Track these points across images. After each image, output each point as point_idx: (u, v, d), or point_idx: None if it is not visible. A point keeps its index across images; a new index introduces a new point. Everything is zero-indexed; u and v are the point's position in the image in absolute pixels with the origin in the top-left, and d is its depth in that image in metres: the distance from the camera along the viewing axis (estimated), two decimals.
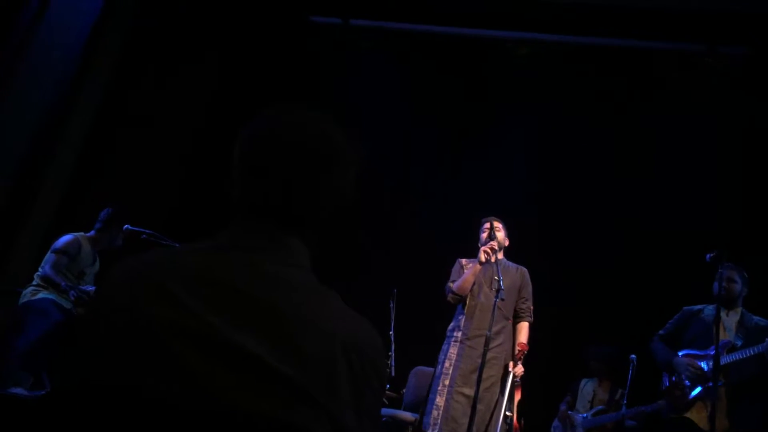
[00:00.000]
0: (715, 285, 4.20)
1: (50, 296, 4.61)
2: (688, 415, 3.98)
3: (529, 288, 4.46)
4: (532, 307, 4.42)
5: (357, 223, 4.70)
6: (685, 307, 4.42)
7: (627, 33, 5.22)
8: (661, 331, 4.42)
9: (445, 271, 4.55)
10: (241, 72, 6.20)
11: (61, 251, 4.70)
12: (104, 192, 5.39)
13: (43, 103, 4.93)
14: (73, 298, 4.59)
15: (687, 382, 4.04)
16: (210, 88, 6.15)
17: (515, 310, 4.38)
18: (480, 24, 5.67)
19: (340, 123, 1.09)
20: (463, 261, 4.56)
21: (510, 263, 4.52)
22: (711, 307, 4.26)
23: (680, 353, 4.20)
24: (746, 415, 3.87)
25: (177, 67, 5.86)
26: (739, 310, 4.19)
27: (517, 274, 4.44)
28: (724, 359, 3.96)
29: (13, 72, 4.75)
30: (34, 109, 4.89)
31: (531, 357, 4.27)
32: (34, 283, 4.66)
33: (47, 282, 4.63)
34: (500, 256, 4.45)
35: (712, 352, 4.01)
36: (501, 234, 4.48)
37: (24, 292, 4.64)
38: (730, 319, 4.16)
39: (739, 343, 3.95)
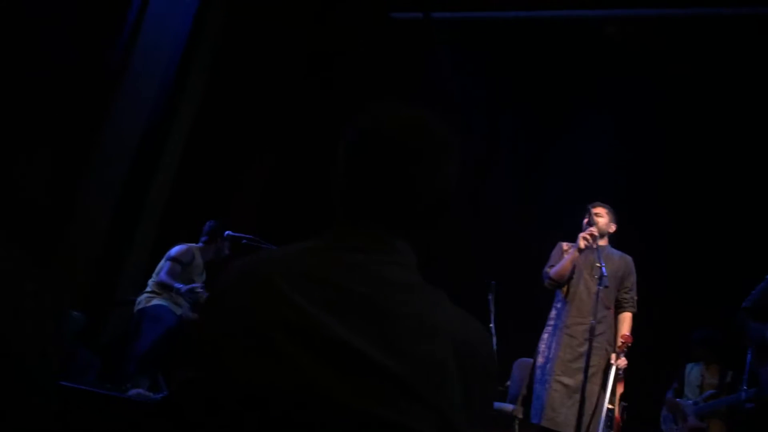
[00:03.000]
0: None
1: (164, 303, 4.87)
2: None
3: (633, 278, 4.24)
4: (636, 298, 4.22)
5: (458, 217, 4.68)
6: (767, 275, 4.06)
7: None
8: (745, 303, 3.97)
9: (545, 256, 4.44)
10: (327, 74, 6.29)
11: (176, 259, 4.96)
12: (202, 203, 5.61)
13: (141, 124, 5.19)
14: (187, 296, 4.82)
15: None
16: (297, 88, 6.27)
17: (617, 300, 4.20)
18: (563, 5, 5.51)
19: (438, 117, 1.08)
20: (564, 245, 4.36)
21: (614, 251, 4.32)
22: None
23: None
24: None
25: (264, 71, 6.02)
26: None
27: (621, 262, 4.24)
28: None
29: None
30: (133, 130, 5.16)
31: (634, 346, 4.13)
32: (148, 289, 4.93)
33: (162, 288, 4.89)
34: (603, 242, 4.28)
35: None
36: (603, 219, 4.27)
37: (138, 299, 4.91)
38: None
39: None
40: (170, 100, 5.33)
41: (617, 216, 4.39)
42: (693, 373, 5.40)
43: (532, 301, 4.66)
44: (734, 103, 5.40)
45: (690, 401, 5.27)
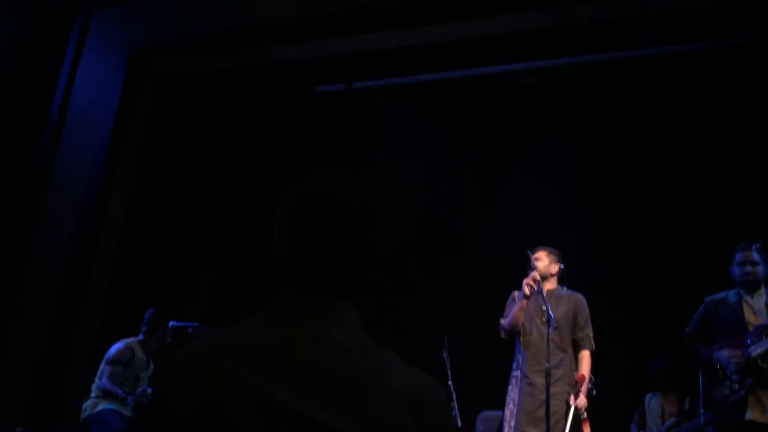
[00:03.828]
0: (736, 269, 4.10)
1: (110, 406, 4.65)
2: (749, 413, 3.80)
3: (585, 314, 4.23)
4: (591, 334, 4.20)
5: (401, 276, 4.69)
6: (706, 298, 4.22)
7: (630, 44, 5.21)
8: (687, 329, 4.20)
9: (494, 306, 4.46)
10: (261, 153, 6.33)
11: (115, 361, 4.75)
12: (144, 292, 5.47)
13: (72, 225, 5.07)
14: (132, 405, 4.63)
15: (735, 377, 3.87)
16: (231, 172, 6.27)
17: (573, 340, 4.20)
18: (479, 63, 5.74)
19: (373, 181, 1.10)
20: (516, 293, 4.38)
21: (564, 291, 4.32)
22: (733, 292, 4.12)
23: (717, 346, 4.01)
24: None
25: (198, 153, 6.01)
26: (763, 290, 4.03)
27: (570, 302, 4.24)
28: (764, 344, 3.82)
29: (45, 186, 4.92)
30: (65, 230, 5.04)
31: (599, 381, 4.15)
32: (92, 395, 4.72)
33: (105, 393, 4.67)
34: (551, 285, 4.32)
35: (750, 339, 3.89)
36: (543, 263, 4.31)
37: (84, 406, 4.69)
38: (757, 302, 4.00)
39: None
40: (100, 196, 5.25)
41: (560, 256, 4.45)
42: (652, 403, 5.47)
43: (491, 352, 4.65)
44: (656, 139, 5.68)
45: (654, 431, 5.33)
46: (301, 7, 4.80)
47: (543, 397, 3.91)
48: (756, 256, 4.05)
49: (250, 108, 6.23)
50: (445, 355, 4.90)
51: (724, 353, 3.93)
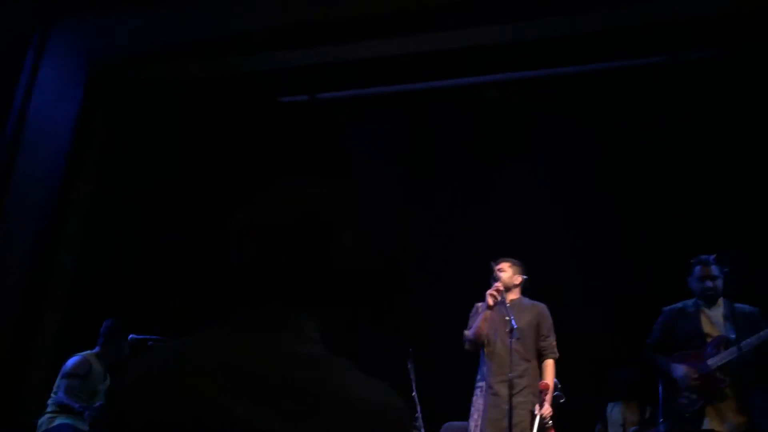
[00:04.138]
0: (695, 283, 4.17)
1: (67, 421, 4.56)
2: (706, 422, 3.87)
3: (549, 323, 4.29)
4: (554, 343, 4.26)
5: (367, 289, 4.67)
6: (664, 308, 4.30)
7: (590, 58, 5.30)
8: (649, 340, 4.28)
9: (459, 317, 4.48)
10: (224, 163, 6.27)
11: (72, 374, 4.67)
12: (104, 305, 5.37)
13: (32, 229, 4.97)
14: (88, 419, 4.54)
15: (686, 393, 3.94)
16: (193, 183, 6.21)
17: (537, 349, 4.24)
18: (446, 75, 5.78)
19: (334, 191, 1.10)
20: (479, 305, 4.43)
21: (527, 301, 4.38)
22: (691, 302, 4.19)
23: (675, 357, 4.09)
24: (758, 409, 3.80)
25: (158, 168, 5.94)
26: (721, 301, 4.11)
27: (533, 312, 4.30)
28: (723, 356, 3.90)
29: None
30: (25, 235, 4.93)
31: (564, 390, 4.20)
32: (48, 410, 4.61)
33: (62, 407, 4.58)
34: (514, 296, 4.38)
35: (709, 350, 3.97)
36: (506, 274, 4.38)
37: (40, 422, 4.59)
38: (715, 313, 4.08)
39: (733, 336, 3.87)
40: (59, 208, 5.15)
41: (523, 267, 4.51)
42: (614, 412, 5.54)
43: (455, 363, 4.66)
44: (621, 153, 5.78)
45: None
46: (264, 17, 4.80)
47: (507, 407, 3.93)
48: (715, 270, 4.11)
49: (214, 118, 6.18)
50: (409, 366, 4.90)
51: (681, 369, 3.98)
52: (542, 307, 4.35)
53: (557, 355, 4.25)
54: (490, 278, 4.38)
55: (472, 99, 5.99)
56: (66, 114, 5.21)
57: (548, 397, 4.06)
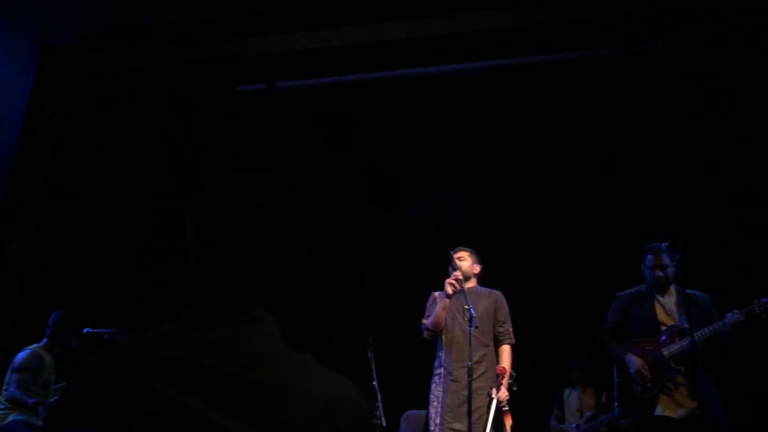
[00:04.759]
0: (647, 272, 4.25)
1: (21, 417, 4.47)
2: (659, 409, 3.97)
3: (505, 310, 4.41)
4: (511, 329, 4.36)
5: (318, 281, 4.66)
6: (618, 294, 4.39)
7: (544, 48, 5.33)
8: (604, 325, 4.36)
9: (416, 305, 4.51)
10: (180, 152, 6.17)
11: (22, 368, 4.57)
12: (57, 296, 5.25)
13: None
14: (42, 415, 4.45)
15: (648, 384, 4.01)
16: (151, 171, 6.09)
17: (494, 335, 4.33)
18: (400, 65, 5.75)
19: (286, 184, 1.09)
20: (436, 294, 4.51)
21: (483, 289, 4.48)
22: (644, 287, 4.27)
23: (630, 344, 4.16)
24: (708, 395, 3.91)
25: (113, 155, 5.81)
26: (672, 288, 4.20)
27: (490, 299, 4.40)
28: (677, 346, 3.98)
29: None
30: None
31: (519, 377, 4.26)
32: (0, 407, 4.50)
33: (14, 403, 4.48)
34: (472, 284, 4.46)
35: (663, 338, 4.06)
36: (466, 263, 4.46)
37: None
38: (668, 300, 4.17)
39: (686, 325, 3.95)
40: (8, 198, 4.99)
41: (480, 256, 4.58)
42: (571, 397, 5.65)
43: (414, 351, 4.70)
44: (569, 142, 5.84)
45: (573, 425, 5.50)
46: (219, 3, 4.71)
47: (466, 393, 3.99)
48: (666, 258, 4.19)
49: (168, 106, 6.06)
50: (369, 355, 4.91)
51: (635, 361, 4.04)
52: (498, 294, 4.45)
53: (513, 340, 4.35)
54: (448, 266, 4.43)
55: (424, 90, 5.97)
56: (16, 99, 5.04)
57: (505, 381, 4.13)
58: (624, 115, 5.48)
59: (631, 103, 5.42)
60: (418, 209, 6.26)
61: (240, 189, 1.06)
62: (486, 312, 4.31)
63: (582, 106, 5.72)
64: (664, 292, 4.20)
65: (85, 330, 4.67)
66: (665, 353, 4.00)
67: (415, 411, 4.99)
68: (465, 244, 4.59)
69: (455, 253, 4.48)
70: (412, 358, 4.69)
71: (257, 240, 1.02)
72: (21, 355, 4.65)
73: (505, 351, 4.31)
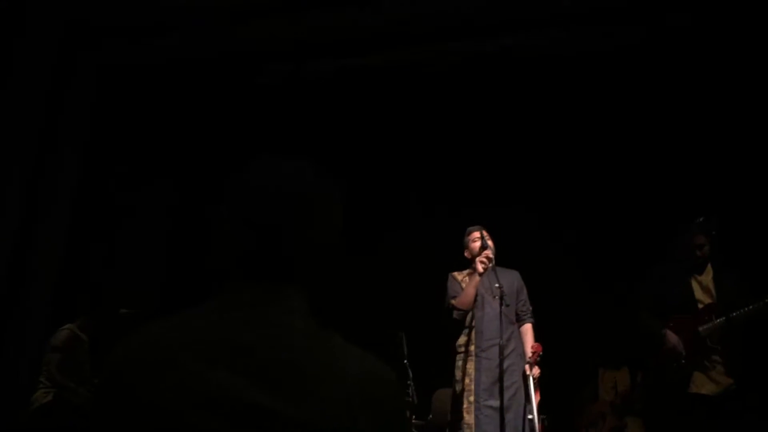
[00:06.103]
0: (683, 250, 4.18)
1: (60, 395, 4.55)
2: (692, 386, 3.94)
3: (525, 290, 4.47)
4: (531, 308, 4.42)
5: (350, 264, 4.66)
6: (653, 270, 4.35)
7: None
8: (640, 302, 4.32)
9: (434, 288, 4.52)
10: (205, 144, 6.18)
11: (59, 348, 4.65)
12: (94, 281, 5.34)
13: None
14: (81, 394, 4.55)
15: (683, 362, 3.99)
16: (177, 165, 6.13)
17: (516, 314, 4.36)
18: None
19: (315, 168, 1.09)
20: (457, 275, 4.51)
21: (501, 269, 4.41)
22: (680, 265, 4.22)
23: (667, 323, 4.13)
24: (746, 372, 3.88)
25: (140, 152, 5.86)
26: (709, 267, 4.16)
27: (512, 278, 4.42)
28: (714, 325, 3.95)
29: None
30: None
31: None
32: (41, 387, 4.60)
33: (54, 383, 4.57)
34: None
35: (701, 317, 4.02)
36: (491, 241, 4.45)
37: (33, 398, 4.57)
38: (704, 278, 4.13)
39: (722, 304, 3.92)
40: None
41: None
42: (606, 377, 5.62)
43: (439, 331, 4.70)
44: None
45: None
46: None
47: (498, 371, 4.02)
48: (701, 237, 4.13)
49: (192, 99, 6.05)
50: (402, 335, 4.94)
51: (673, 338, 4.04)
52: (517, 274, 4.50)
53: (534, 319, 4.40)
54: (468, 244, 4.43)
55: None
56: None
57: (536, 360, 4.15)
58: (656, 91, 5.38)
59: (664, 81, 5.31)
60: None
61: (282, 171, 1.07)
62: (511, 290, 4.32)
63: (612, 83, 5.62)
64: (701, 270, 4.15)
65: (122, 310, 4.76)
66: (701, 332, 3.96)
67: (446, 389, 5.01)
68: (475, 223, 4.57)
69: (482, 231, 4.44)
70: (443, 338, 4.70)
71: (290, 220, 1.03)
72: (57, 335, 4.74)
73: (530, 329, 4.36)
